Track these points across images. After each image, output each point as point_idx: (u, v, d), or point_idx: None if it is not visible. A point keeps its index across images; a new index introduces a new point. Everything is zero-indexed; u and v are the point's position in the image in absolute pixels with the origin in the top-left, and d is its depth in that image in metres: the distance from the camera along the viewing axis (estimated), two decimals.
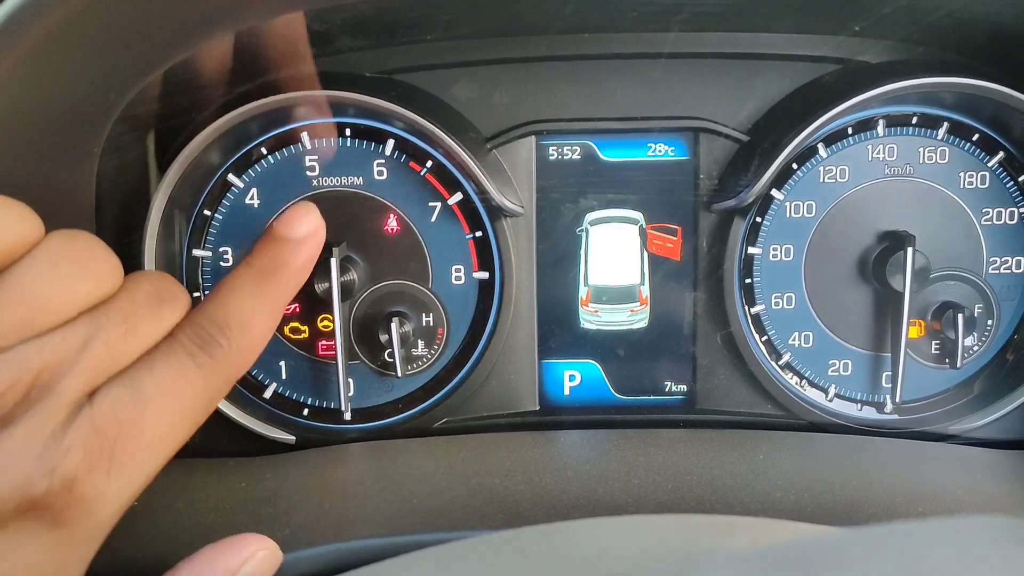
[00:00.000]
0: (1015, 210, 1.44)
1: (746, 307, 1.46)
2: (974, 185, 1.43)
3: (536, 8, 1.25)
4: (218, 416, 1.42)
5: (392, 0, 1.12)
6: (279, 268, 0.99)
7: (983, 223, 1.44)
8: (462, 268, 1.44)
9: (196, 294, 1.43)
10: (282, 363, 1.46)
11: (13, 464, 0.76)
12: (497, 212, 1.40)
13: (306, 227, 1.02)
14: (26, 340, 0.80)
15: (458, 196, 1.41)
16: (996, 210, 1.44)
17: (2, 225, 0.81)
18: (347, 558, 1.07)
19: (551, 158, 1.45)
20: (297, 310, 1.44)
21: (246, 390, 1.45)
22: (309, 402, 1.47)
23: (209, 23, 0.95)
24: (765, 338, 1.48)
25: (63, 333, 0.82)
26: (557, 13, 1.21)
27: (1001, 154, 1.42)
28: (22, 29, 0.85)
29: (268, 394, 1.46)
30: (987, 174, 1.43)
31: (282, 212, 1.36)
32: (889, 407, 1.46)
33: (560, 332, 1.49)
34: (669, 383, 1.50)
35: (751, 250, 1.45)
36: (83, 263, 0.85)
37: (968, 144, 1.42)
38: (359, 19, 1.20)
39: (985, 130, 1.41)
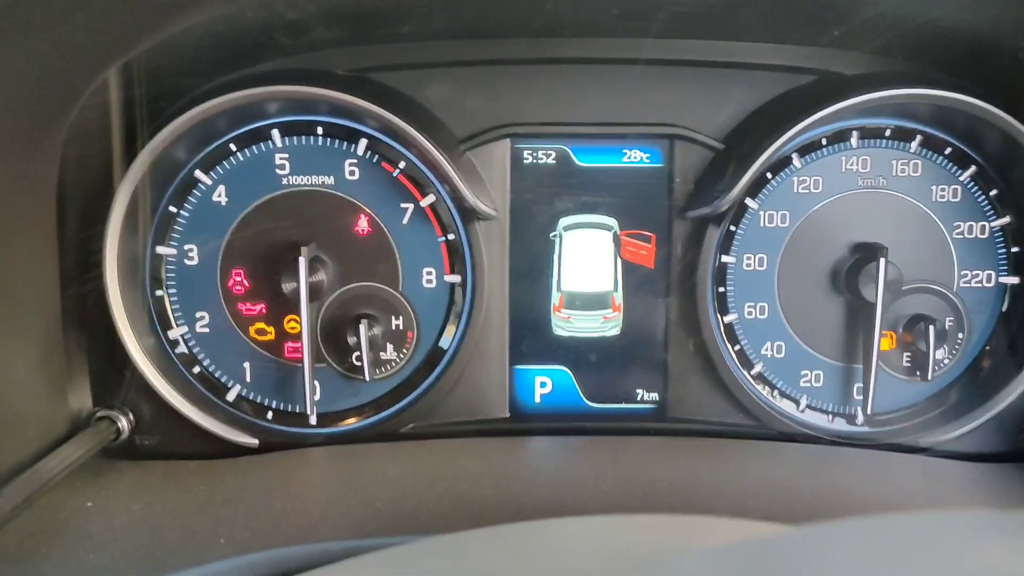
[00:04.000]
0: (986, 224, 1.44)
1: (719, 316, 1.45)
2: (946, 198, 1.44)
3: (515, 2, 1.24)
4: (178, 418, 1.38)
5: None
6: None
7: (955, 236, 1.44)
8: (433, 271, 1.42)
9: (159, 292, 1.39)
10: (247, 364, 1.42)
11: None
12: (470, 215, 1.39)
13: None
14: None
15: (431, 198, 1.39)
16: (967, 224, 1.44)
17: None
18: (308, 561, 1.04)
19: (525, 162, 1.44)
20: (264, 310, 1.41)
21: (208, 392, 1.41)
22: (274, 405, 1.43)
23: (180, 7, 0.92)
24: (737, 348, 1.47)
25: None
26: (537, 9, 1.19)
27: (973, 168, 1.42)
28: None
29: (231, 396, 1.42)
30: (959, 187, 1.44)
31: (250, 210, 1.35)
32: (860, 419, 1.46)
33: (532, 338, 1.47)
34: (641, 391, 1.49)
35: (725, 259, 1.44)
36: None
37: (940, 157, 1.43)
38: (333, 8, 1.18)
39: (958, 144, 1.42)
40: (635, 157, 1.44)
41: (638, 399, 1.49)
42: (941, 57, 1.37)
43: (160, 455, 1.36)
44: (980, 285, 1.46)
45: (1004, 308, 1.46)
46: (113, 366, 1.37)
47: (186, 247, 1.39)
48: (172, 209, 1.38)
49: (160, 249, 1.38)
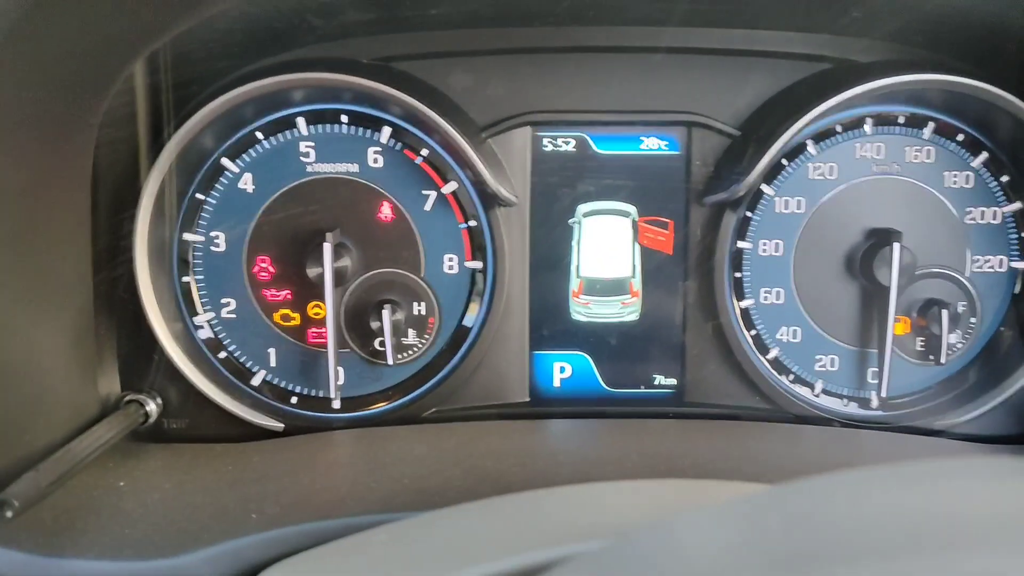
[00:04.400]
0: (998, 210, 1.47)
1: (735, 301, 1.47)
2: (958, 184, 1.46)
3: None
4: (204, 402, 1.40)
5: None
6: None
7: (967, 222, 1.47)
8: (455, 257, 1.45)
9: (186, 279, 1.41)
10: (271, 350, 1.45)
11: None
12: (492, 201, 1.41)
13: None
14: None
15: (453, 185, 1.42)
16: (979, 209, 1.47)
17: None
18: (340, 535, 1.06)
19: (546, 149, 1.46)
20: (288, 297, 1.43)
21: (233, 376, 1.44)
22: (298, 390, 1.46)
23: None
24: (754, 332, 1.49)
25: None
26: None
27: (985, 154, 1.45)
28: None
29: (256, 381, 1.44)
30: (971, 174, 1.46)
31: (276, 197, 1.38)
32: (875, 403, 1.48)
33: (552, 323, 1.49)
34: (659, 376, 1.51)
35: (741, 244, 1.46)
36: None
37: (953, 144, 1.45)
38: None
39: (970, 131, 1.44)
40: (653, 144, 1.47)
41: (656, 384, 1.51)
42: (955, 43, 1.39)
43: (187, 438, 1.39)
44: (992, 270, 1.48)
45: (1016, 292, 1.48)
46: (141, 350, 1.39)
47: (213, 234, 1.41)
48: (199, 196, 1.40)
49: (187, 235, 1.40)
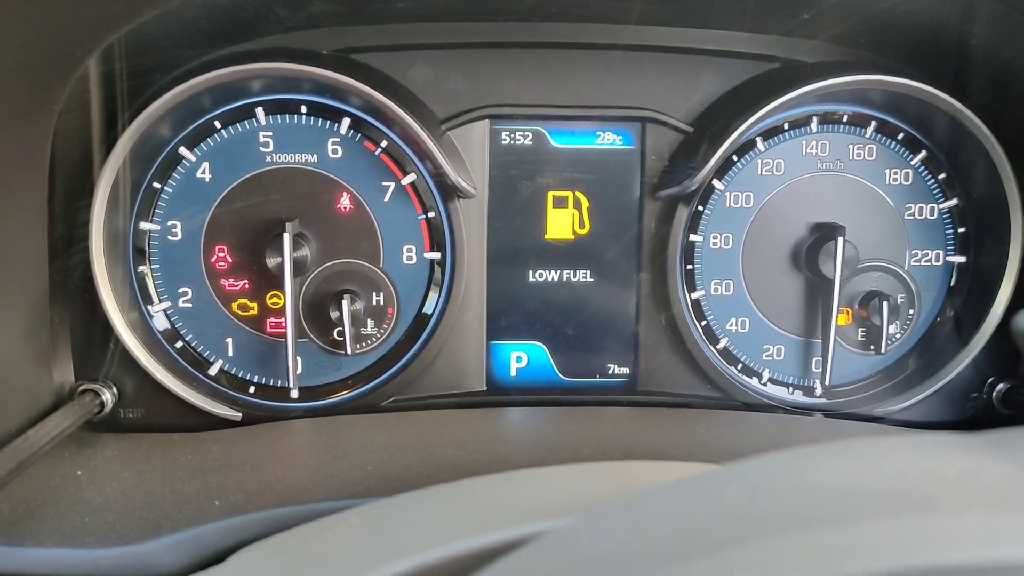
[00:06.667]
0: (935, 206, 1.53)
1: (687, 292, 1.51)
2: (898, 181, 1.53)
3: None
4: (161, 391, 1.40)
5: None
6: None
7: (906, 217, 1.53)
8: (414, 248, 1.46)
9: (142, 268, 1.41)
10: (229, 340, 1.45)
11: None
12: (450, 193, 1.43)
13: None
14: None
15: (412, 176, 1.43)
16: (918, 205, 1.53)
17: None
18: (300, 521, 1.07)
19: (504, 142, 1.48)
20: (246, 286, 1.43)
21: (191, 366, 1.43)
22: (255, 379, 1.46)
23: None
24: (704, 323, 1.53)
25: None
26: None
27: (923, 153, 1.51)
28: None
29: (214, 371, 1.44)
30: (910, 171, 1.52)
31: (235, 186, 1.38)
32: (819, 391, 1.54)
33: (509, 313, 1.52)
34: (613, 366, 1.54)
35: (692, 237, 1.51)
36: None
37: (893, 143, 1.51)
38: None
39: (909, 130, 1.51)
40: (608, 139, 1.50)
41: (610, 373, 1.55)
42: (896, 46, 1.45)
43: (143, 428, 1.38)
44: (929, 263, 1.55)
45: (951, 285, 1.55)
46: (96, 340, 1.38)
47: (170, 223, 1.41)
48: (156, 185, 1.39)
49: (144, 224, 1.40)
